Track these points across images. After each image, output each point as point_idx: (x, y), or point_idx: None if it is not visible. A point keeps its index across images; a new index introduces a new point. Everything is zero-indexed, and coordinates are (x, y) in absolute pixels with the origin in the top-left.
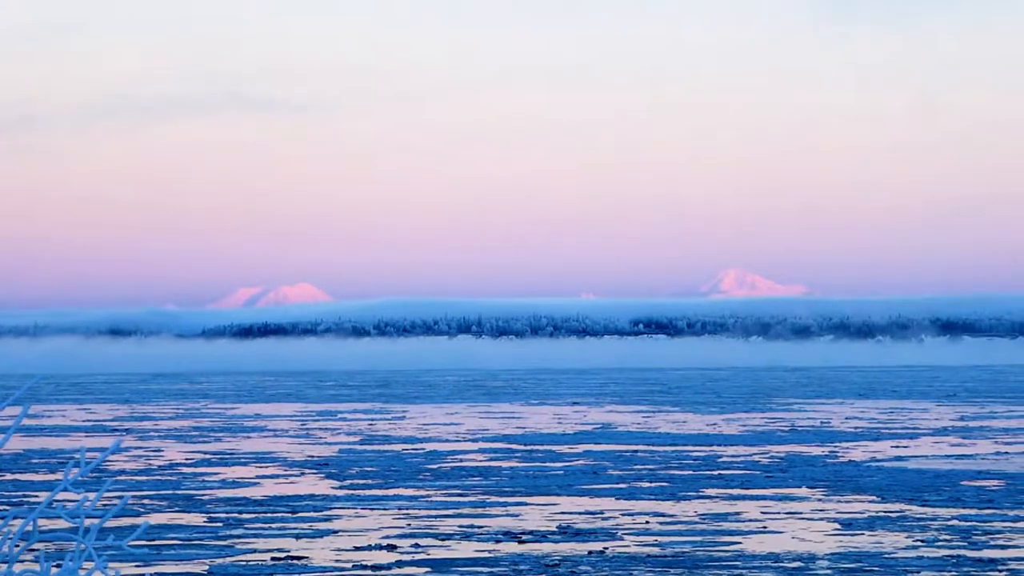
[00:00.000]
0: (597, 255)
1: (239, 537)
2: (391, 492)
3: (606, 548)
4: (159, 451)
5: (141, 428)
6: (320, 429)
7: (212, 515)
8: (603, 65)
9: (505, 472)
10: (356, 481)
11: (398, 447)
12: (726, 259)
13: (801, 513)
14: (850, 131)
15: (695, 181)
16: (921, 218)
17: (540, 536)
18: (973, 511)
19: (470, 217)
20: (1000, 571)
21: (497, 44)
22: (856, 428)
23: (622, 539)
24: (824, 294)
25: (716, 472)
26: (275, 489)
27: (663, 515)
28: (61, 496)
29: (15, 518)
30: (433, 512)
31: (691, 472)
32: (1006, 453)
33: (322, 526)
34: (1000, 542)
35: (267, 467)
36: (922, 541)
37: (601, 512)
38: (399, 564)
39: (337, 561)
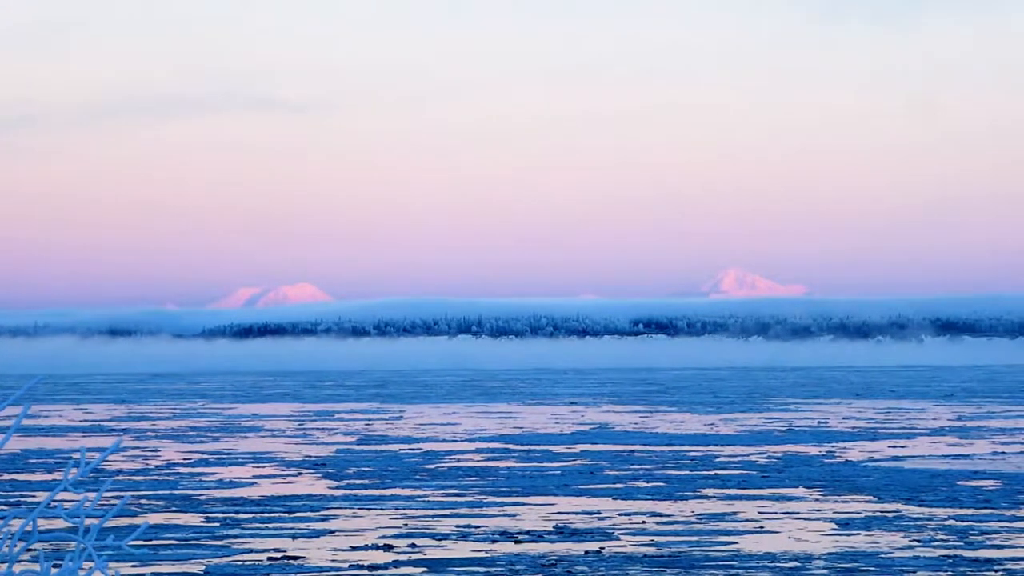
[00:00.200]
0: (597, 255)
1: (236, 537)
2: (388, 492)
3: (603, 548)
4: (156, 451)
5: (139, 428)
6: (317, 429)
7: (209, 515)
8: (602, 65)
9: (502, 472)
10: (353, 481)
11: (395, 447)
12: (726, 259)
13: (798, 513)
14: (849, 131)
15: (695, 181)
16: (921, 218)
17: (537, 536)
18: (970, 511)
19: (470, 217)
20: (997, 571)
21: (497, 44)
22: (853, 428)
23: (619, 539)
24: (824, 294)
25: (713, 472)
26: (272, 489)
27: (660, 515)
28: (61, 496)
29: (15, 518)
30: (430, 512)
31: (688, 472)
32: (1003, 453)
33: (319, 526)
34: (997, 542)
35: (264, 467)
36: (919, 541)
37: (598, 512)
38: (396, 564)
39: (334, 561)
